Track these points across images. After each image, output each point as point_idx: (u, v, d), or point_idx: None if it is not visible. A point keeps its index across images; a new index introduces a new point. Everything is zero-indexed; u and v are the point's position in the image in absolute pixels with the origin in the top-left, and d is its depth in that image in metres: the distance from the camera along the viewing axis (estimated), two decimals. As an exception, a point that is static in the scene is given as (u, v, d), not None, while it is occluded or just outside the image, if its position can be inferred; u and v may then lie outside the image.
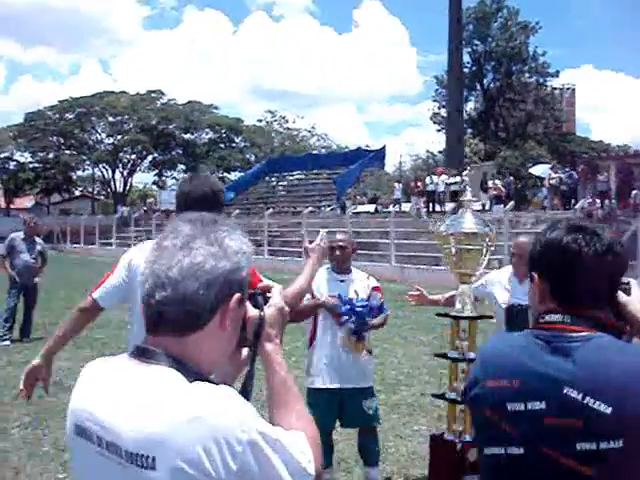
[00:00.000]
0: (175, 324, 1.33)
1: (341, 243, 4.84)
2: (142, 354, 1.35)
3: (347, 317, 4.49)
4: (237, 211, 35.44)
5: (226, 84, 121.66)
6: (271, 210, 34.52)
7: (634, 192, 23.66)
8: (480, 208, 29.30)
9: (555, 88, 59.82)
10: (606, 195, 24.81)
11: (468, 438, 4.97)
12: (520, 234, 5.81)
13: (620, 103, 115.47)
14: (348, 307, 4.49)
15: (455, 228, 5.02)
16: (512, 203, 24.61)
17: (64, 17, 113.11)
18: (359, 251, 26.85)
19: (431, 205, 30.33)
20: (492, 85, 57.06)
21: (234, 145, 59.48)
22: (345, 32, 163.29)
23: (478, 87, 56.96)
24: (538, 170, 31.41)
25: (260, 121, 62.45)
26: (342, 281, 4.76)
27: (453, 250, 5.02)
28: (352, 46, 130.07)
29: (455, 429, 4.96)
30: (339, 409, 4.72)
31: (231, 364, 1.53)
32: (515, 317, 2.08)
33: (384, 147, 42.03)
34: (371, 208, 35.09)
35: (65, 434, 1.42)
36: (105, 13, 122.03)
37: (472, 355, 5.02)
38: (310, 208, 33.79)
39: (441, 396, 5.19)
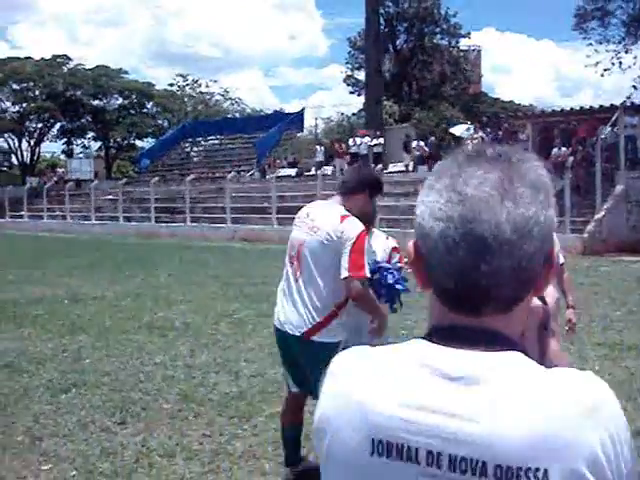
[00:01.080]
0: (506, 299, 0.98)
1: None
2: (470, 338, 0.98)
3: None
4: (156, 178, 34.54)
5: (128, 49, 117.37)
6: (192, 176, 33.78)
7: (554, 150, 24.23)
8: (404, 169, 29.51)
9: (462, 50, 60.46)
10: (527, 153, 25.26)
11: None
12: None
13: (523, 64, 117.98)
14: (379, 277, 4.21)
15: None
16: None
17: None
18: (285, 215, 26.35)
19: (354, 167, 30.25)
20: (404, 47, 57.25)
21: (145, 111, 57.77)
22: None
23: (391, 49, 56.99)
24: (458, 130, 31.70)
25: (172, 85, 60.83)
26: None
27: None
28: (256, 9, 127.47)
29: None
30: None
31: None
32: None
33: (303, 110, 41.73)
34: (292, 172, 34.80)
35: (331, 458, 1.02)
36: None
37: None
38: (233, 173, 33.27)
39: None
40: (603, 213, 19.91)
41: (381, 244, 4.50)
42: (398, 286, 4.10)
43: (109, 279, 14.82)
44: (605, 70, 29.93)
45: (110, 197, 36.10)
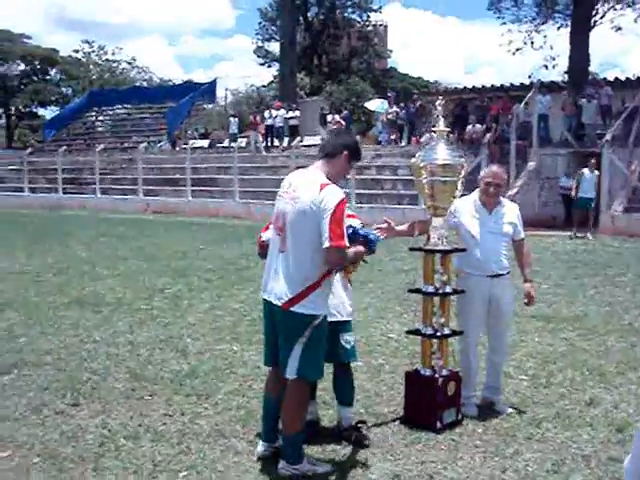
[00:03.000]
0: None
1: None
2: None
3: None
4: (63, 148, 33.29)
5: (29, 13, 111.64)
6: (101, 146, 32.69)
7: (468, 127, 24.65)
8: (320, 142, 29.38)
9: (369, 25, 60.56)
10: (442, 129, 25.58)
11: (445, 372, 4.89)
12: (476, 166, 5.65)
13: (427, 41, 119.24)
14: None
15: (429, 159, 4.83)
16: (358, 138, 24.88)
17: None
18: (199, 187, 26.01)
19: (269, 140, 30.00)
20: (316, 19, 56.90)
21: (49, 78, 55.31)
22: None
23: (302, 21, 56.52)
24: (372, 105, 31.79)
25: (77, 52, 58.34)
26: None
27: (425, 182, 4.83)
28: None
29: (434, 364, 4.85)
30: None
31: None
32: None
33: (215, 80, 40.82)
34: (204, 143, 34.26)
35: None
36: None
37: (448, 289, 4.90)
38: (145, 144, 32.44)
39: (416, 332, 5.05)
40: (516, 189, 20.44)
41: None
42: (376, 236, 4.25)
43: (25, 253, 14.18)
44: (517, 49, 30.67)
45: (13, 167, 34.54)
